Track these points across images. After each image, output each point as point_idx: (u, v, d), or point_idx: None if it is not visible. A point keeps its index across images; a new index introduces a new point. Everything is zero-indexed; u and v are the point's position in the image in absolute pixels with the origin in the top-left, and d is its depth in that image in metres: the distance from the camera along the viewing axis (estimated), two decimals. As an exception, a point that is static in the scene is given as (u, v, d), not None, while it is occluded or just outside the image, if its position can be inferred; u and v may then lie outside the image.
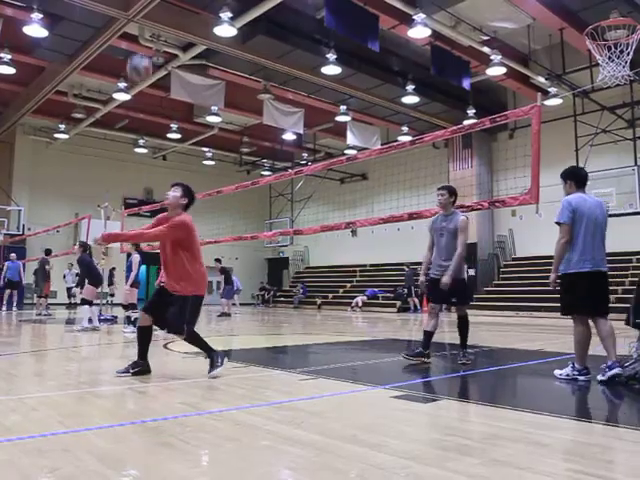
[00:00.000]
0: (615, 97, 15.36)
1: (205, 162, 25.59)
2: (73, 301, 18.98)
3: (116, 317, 12.46)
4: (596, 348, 4.86)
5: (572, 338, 4.61)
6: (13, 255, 16.86)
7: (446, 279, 5.32)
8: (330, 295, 23.94)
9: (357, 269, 25.03)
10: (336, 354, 7.09)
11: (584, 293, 4.49)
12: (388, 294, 20.92)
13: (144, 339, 4.76)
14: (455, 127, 6.81)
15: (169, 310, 4.57)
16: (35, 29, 12.38)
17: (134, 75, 5.92)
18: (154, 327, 4.80)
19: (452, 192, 5.67)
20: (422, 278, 5.85)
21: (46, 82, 16.24)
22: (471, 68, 15.25)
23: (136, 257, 9.64)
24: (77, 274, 15.78)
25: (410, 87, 16.46)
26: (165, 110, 19.33)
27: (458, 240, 5.45)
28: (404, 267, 19.43)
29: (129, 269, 9.70)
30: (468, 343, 5.66)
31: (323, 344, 8.22)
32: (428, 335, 5.58)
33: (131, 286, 9.63)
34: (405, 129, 20.31)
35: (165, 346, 7.00)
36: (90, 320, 9.82)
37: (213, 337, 8.73)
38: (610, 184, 14.45)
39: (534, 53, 15.50)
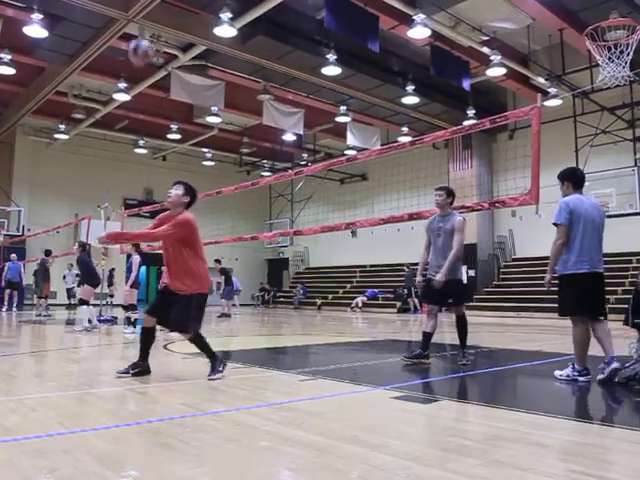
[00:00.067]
0: (615, 98, 15.35)
1: (205, 163, 25.57)
2: (73, 302, 18.97)
3: (116, 318, 12.47)
4: (596, 349, 4.85)
5: (572, 339, 4.61)
6: (14, 256, 16.88)
7: (440, 277, 5.33)
8: (330, 296, 23.91)
9: (357, 270, 24.99)
10: (336, 355, 7.08)
11: (581, 294, 4.49)
12: (388, 295, 20.92)
13: (147, 340, 4.75)
14: (455, 128, 6.80)
15: (173, 309, 4.52)
16: (35, 29, 12.39)
17: (137, 54, 5.87)
18: (159, 327, 4.79)
19: (449, 193, 5.67)
20: (419, 278, 5.85)
21: (46, 82, 16.24)
22: (471, 69, 15.24)
23: (136, 258, 9.65)
24: (77, 274, 15.82)
25: (410, 88, 16.46)
26: (165, 111, 19.30)
27: (454, 240, 5.45)
28: (404, 268, 19.41)
29: (129, 270, 9.70)
30: (468, 344, 5.66)
31: (323, 345, 8.22)
32: (427, 336, 5.58)
33: (131, 287, 9.64)
34: (405, 130, 20.33)
35: (165, 347, 7.00)
36: (90, 320, 9.83)
37: (213, 338, 8.71)
38: (610, 185, 14.46)
39: (534, 53, 15.50)
